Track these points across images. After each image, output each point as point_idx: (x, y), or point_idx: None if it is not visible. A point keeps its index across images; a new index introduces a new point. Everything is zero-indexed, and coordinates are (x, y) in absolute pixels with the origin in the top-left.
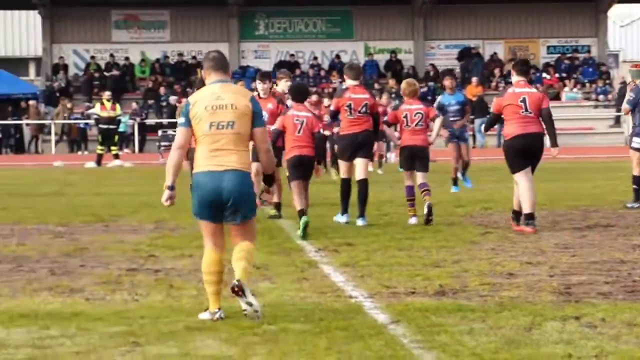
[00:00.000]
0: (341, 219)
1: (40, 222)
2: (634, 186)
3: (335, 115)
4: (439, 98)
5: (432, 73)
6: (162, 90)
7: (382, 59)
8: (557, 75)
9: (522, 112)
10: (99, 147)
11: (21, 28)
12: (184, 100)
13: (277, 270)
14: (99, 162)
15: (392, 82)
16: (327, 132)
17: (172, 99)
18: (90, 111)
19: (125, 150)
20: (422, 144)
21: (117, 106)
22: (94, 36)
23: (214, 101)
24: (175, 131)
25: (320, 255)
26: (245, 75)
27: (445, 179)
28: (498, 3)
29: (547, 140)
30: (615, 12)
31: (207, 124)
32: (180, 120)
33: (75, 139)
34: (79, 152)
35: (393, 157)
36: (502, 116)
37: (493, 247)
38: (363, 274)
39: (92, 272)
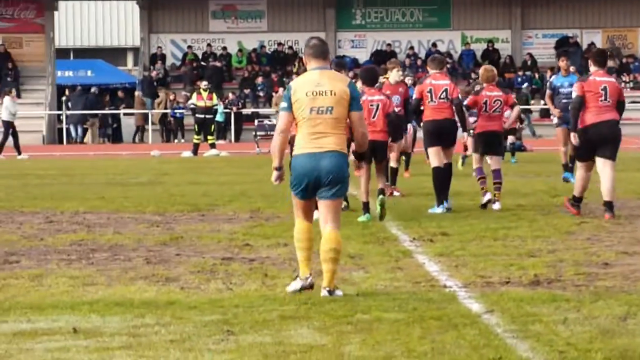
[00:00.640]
0: (437, 210)
1: (137, 211)
2: None
3: (418, 104)
4: (552, 79)
5: (529, 62)
6: (258, 80)
7: (479, 48)
8: None
9: (602, 100)
10: (196, 136)
11: (119, 18)
12: (280, 90)
13: (372, 259)
14: (195, 151)
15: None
16: None
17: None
18: (189, 102)
19: (221, 141)
20: (497, 129)
21: (214, 96)
22: (192, 26)
23: (314, 87)
24: (270, 121)
25: (415, 245)
26: None
27: (540, 170)
28: None
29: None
30: None
31: (308, 109)
32: (282, 104)
33: (172, 128)
34: (175, 141)
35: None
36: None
37: (589, 236)
38: (457, 264)
39: (187, 261)
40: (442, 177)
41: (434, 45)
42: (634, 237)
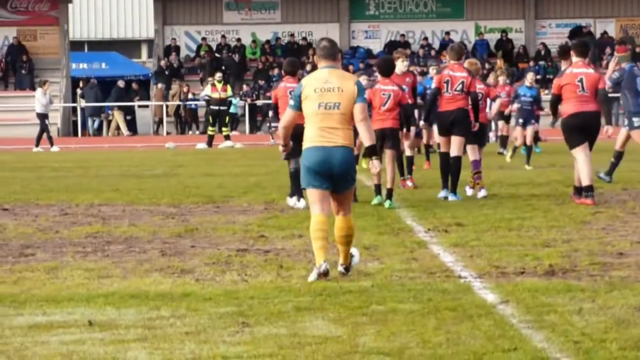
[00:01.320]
0: (440, 194)
1: (152, 203)
2: None
3: (437, 93)
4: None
5: (542, 52)
6: (274, 71)
7: (492, 38)
8: None
9: (579, 91)
10: (210, 128)
11: (133, 10)
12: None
13: (387, 250)
14: (209, 143)
15: (499, 62)
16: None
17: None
18: (202, 93)
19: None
20: (482, 120)
21: (228, 87)
22: (206, 18)
23: (323, 84)
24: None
25: (430, 236)
26: (355, 55)
27: (555, 160)
28: None
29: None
30: None
31: (316, 104)
32: (290, 102)
33: (186, 120)
34: (190, 133)
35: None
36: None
37: (604, 226)
38: (472, 254)
39: (203, 253)
40: (447, 164)
41: (447, 34)
42: None
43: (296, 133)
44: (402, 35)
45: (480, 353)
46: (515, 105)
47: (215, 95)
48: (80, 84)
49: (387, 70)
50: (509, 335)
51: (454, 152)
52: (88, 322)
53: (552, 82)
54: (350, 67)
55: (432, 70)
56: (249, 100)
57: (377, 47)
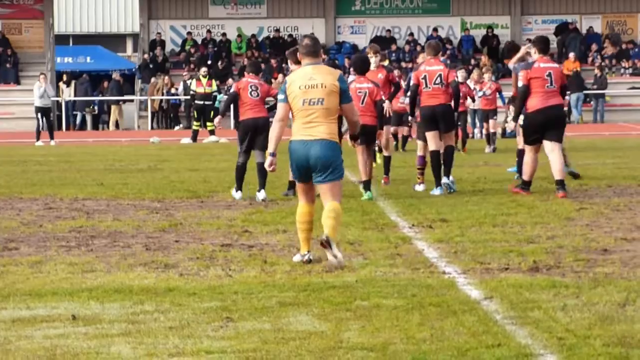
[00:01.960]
0: (436, 191)
1: (136, 198)
2: None
3: (415, 90)
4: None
5: None
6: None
7: (478, 34)
8: None
9: (548, 86)
10: (195, 123)
11: (119, 4)
12: (280, 76)
13: (371, 246)
14: (194, 138)
15: (484, 58)
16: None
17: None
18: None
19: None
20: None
21: (213, 82)
22: (191, 12)
23: (307, 81)
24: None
25: (414, 231)
26: (341, 51)
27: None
28: None
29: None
30: None
31: (301, 101)
32: (280, 96)
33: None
34: (176, 128)
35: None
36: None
37: (588, 223)
38: (457, 250)
39: (187, 248)
40: (439, 161)
41: (435, 30)
42: (633, 224)
43: (249, 128)
44: (388, 30)
45: (464, 349)
46: None
47: (200, 90)
48: (64, 78)
49: (362, 68)
50: (493, 331)
51: (434, 146)
52: (72, 317)
53: None
54: (337, 62)
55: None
56: None
57: (363, 42)
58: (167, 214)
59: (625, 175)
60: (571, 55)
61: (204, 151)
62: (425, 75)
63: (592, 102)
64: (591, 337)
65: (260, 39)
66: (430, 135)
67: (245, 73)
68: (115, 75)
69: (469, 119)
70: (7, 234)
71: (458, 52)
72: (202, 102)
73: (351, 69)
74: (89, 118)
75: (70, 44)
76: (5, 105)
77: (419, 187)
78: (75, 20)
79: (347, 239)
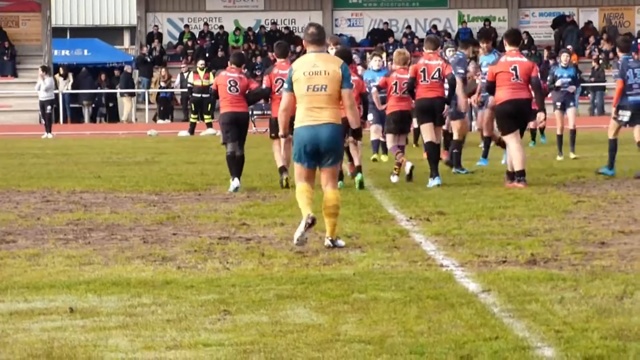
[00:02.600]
0: (434, 182)
1: (134, 191)
2: None
3: (413, 83)
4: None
5: (526, 41)
6: (256, 59)
7: (475, 27)
8: None
9: (513, 79)
10: (192, 115)
11: None
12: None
13: (368, 239)
14: (192, 130)
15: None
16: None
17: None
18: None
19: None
20: (407, 109)
21: (211, 75)
22: (188, 5)
23: (311, 68)
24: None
25: (412, 224)
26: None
27: (537, 149)
28: None
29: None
30: None
31: (305, 87)
32: (285, 85)
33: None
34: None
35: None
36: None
37: (585, 215)
38: (454, 243)
39: (184, 241)
40: (437, 151)
41: (435, 27)
42: (631, 216)
43: (228, 121)
44: (386, 23)
45: (462, 342)
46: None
47: (198, 82)
48: (60, 71)
49: (345, 60)
50: (491, 324)
51: (429, 138)
52: (69, 309)
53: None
54: None
55: (373, 61)
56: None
57: (360, 35)
58: (165, 207)
59: (623, 168)
60: (569, 48)
61: (201, 144)
62: (424, 69)
63: (589, 95)
64: (589, 330)
65: (257, 31)
66: (425, 127)
67: (228, 64)
68: (127, 68)
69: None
70: (4, 226)
71: (455, 44)
72: (199, 95)
73: None
74: (86, 111)
75: (68, 36)
76: (3, 98)
77: (394, 179)
78: (72, 12)
79: (344, 231)
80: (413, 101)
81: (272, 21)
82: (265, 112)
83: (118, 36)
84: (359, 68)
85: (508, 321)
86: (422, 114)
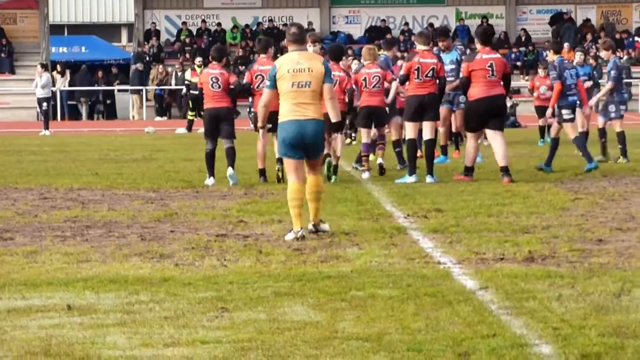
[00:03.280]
0: (409, 179)
1: (131, 188)
2: None
3: (405, 79)
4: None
5: (523, 38)
6: (254, 56)
7: (473, 24)
8: None
9: (489, 76)
10: (190, 113)
11: None
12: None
13: (366, 236)
14: (189, 128)
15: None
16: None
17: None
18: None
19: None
20: (379, 104)
21: None
22: (186, 2)
23: (295, 65)
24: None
25: (409, 221)
26: (336, 41)
27: (535, 147)
28: None
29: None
30: None
31: (290, 83)
32: (267, 83)
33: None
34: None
35: None
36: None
37: (583, 213)
38: (452, 240)
39: (182, 238)
40: (416, 149)
41: (431, 25)
42: (628, 214)
43: (211, 117)
44: (383, 20)
45: (459, 339)
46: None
47: (196, 79)
48: (58, 68)
49: (335, 56)
50: (488, 321)
51: (427, 135)
52: (67, 307)
53: (531, 68)
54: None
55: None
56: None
57: (357, 32)
58: (162, 204)
59: (621, 165)
60: (566, 45)
61: (199, 141)
62: (418, 67)
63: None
64: (586, 327)
65: (254, 28)
66: (411, 125)
67: (209, 60)
68: (140, 66)
69: None
70: (2, 223)
71: (453, 41)
72: (197, 92)
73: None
74: (83, 108)
75: (65, 33)
76: (0, 95)
77: (365, 175)
78: (70, 10)
79: (342, 229)
80: (386, 97)
81: (270, 18)
82: None
83: (116, 33)
84: (355, 62)
85: (506, 318)
86: (411, 110)
